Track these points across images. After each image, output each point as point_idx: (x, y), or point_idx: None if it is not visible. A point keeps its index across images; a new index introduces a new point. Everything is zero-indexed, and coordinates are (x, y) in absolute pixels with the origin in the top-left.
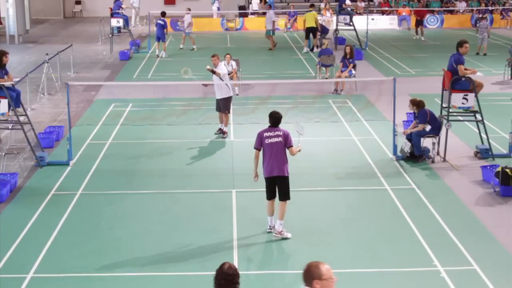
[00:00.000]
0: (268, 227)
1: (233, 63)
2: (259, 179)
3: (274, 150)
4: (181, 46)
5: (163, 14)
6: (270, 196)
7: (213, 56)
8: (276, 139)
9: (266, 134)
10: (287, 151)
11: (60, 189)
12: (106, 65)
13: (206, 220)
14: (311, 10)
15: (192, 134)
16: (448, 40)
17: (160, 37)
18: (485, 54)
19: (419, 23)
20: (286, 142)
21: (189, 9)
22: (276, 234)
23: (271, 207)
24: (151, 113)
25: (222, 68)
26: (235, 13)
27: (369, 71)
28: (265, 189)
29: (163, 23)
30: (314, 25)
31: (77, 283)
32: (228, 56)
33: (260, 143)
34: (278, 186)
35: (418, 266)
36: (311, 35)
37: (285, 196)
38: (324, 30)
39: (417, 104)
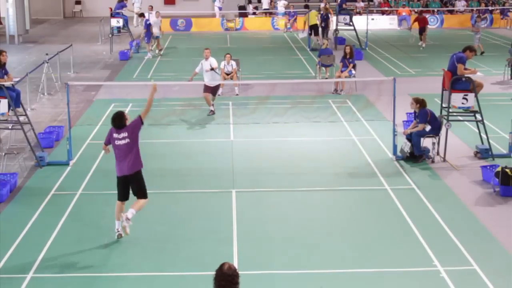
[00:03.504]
0: (120, 228)
1: (233, 63)
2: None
3: (122, 152)
4: (156, 51)
5: (143, 15)
6: (122, 197)
7: (206, 49)
8: (123, 141)
9: (114, 135)
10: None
11: (60, 189)
12: (106, 65)
13: (206, 220)
14: (312, 10)
15: (192, 134)
16: (448, 40)
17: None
18: (483, 53)
19: (422, 30)
20: (134, 130)
21: (152, 7)
22: (125, 219)
23: (120, 209)
24: (151, 113)
25: (214, 62)
26: (235, 13)
27: (369, 71)
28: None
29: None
30: (316, 23)
31: (77, 283)
32: (228, 56)
33: (109, 140)
34: (131, 184)
35: (418, 266)
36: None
37: (141, 193)
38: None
39: (419, 102)
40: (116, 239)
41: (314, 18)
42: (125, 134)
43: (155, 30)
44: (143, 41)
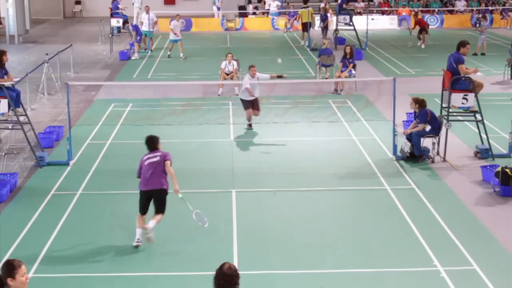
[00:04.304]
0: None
1: (234, 62)
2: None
3: (152, 167)
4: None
5: (127, 21)
6: (143, 211)
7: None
8: (154, 159)
9: (145, 157)
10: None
11: (60, 189)
12: (106, 65)
13: (206, 220)
14: (307, 7)
15: (192, 134)
16: (448, 40)
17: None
18: (483, 54)
19: (423, 29)
20: (165, 159)
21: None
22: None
23: (142, 220)
24: (151, 113)
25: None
26: (235, 13)
27: (369, 71)
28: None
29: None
30: (309, 21)
31: (77, 283)
32: (230, 55)
33: (140, 165)
34: (154, 199)
35: (418, 266)
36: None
37: (160, 209)
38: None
39: (419, 102)
40: (134, 247)
41: (307, 16)
42: (158, 154)
43: (176, 34)
44: (135, 45)
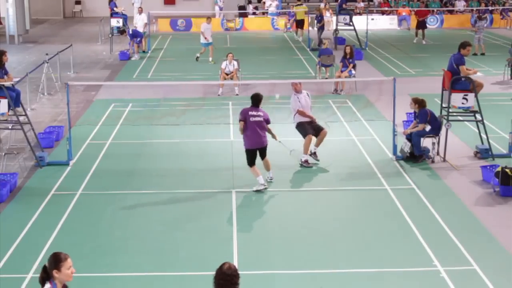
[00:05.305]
0: (265, 182)
1: (235, 62)
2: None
3: (257, 126)
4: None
5: (124, 31)
6: (253, 163)
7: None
8: (258, 118)
9: (250, 113)
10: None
11: (60, 189)
12: (106, 65)
13: (206, 220)
14: (301, 4)
15: (192, 134)
16: (448, 40)
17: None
18: (483, 54)
19: (421, 25)
20: (268, 122)
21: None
22: (271, 179)
23: (257, 170)
24: (151, 113)
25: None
26: (235, 13)
27: (369, 71)
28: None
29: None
30: (303, 18)
31: (77, 283)
32: (230, 55)
33: (244, 118)
34: (260, 153)
35: (418, 266)
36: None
37: (264, 156)
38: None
39: (419, 102)
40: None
41: (301, 13)
42: (261, 113)
43: (207, 37)
44: (135, 46)
